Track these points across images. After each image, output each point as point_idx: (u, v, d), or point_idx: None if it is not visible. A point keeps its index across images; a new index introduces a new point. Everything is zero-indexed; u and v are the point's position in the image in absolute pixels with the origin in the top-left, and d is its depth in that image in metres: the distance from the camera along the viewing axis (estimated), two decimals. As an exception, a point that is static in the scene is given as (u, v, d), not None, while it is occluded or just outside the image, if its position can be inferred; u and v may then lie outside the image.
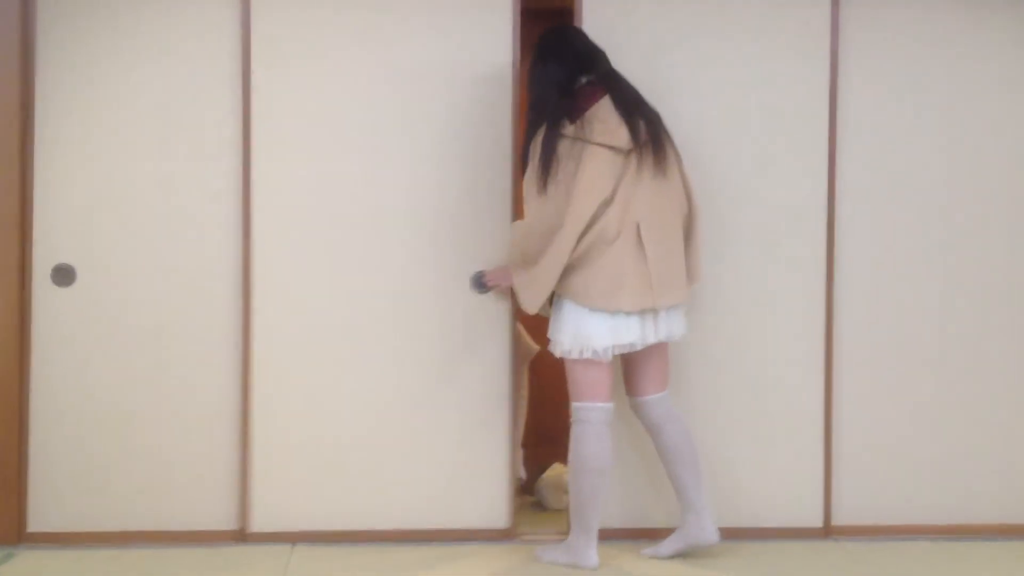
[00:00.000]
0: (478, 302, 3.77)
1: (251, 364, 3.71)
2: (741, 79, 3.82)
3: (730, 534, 3.72)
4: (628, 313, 3.41)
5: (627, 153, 3.42)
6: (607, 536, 3.64)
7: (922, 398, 3.89)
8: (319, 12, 3.73)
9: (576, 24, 3.74)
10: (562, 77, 3.49)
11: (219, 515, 3.72)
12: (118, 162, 3.68)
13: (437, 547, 3.70)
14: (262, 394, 3.72)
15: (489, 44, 3.76)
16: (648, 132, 3.46)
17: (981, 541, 3.83)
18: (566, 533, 3.65)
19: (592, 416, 3.46)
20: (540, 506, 4.28)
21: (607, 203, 3.40)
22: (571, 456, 3.49)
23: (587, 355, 3.43)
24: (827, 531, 3.85)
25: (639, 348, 3.47)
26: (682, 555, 3.58)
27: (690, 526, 3.56)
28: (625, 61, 3.64)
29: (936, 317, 3.89)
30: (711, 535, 3.54)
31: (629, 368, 3.60)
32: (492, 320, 3.78)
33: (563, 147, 3.41)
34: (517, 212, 3.73)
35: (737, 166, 3.81)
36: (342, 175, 3.74)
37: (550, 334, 3.52)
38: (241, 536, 3.71)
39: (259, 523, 3.72)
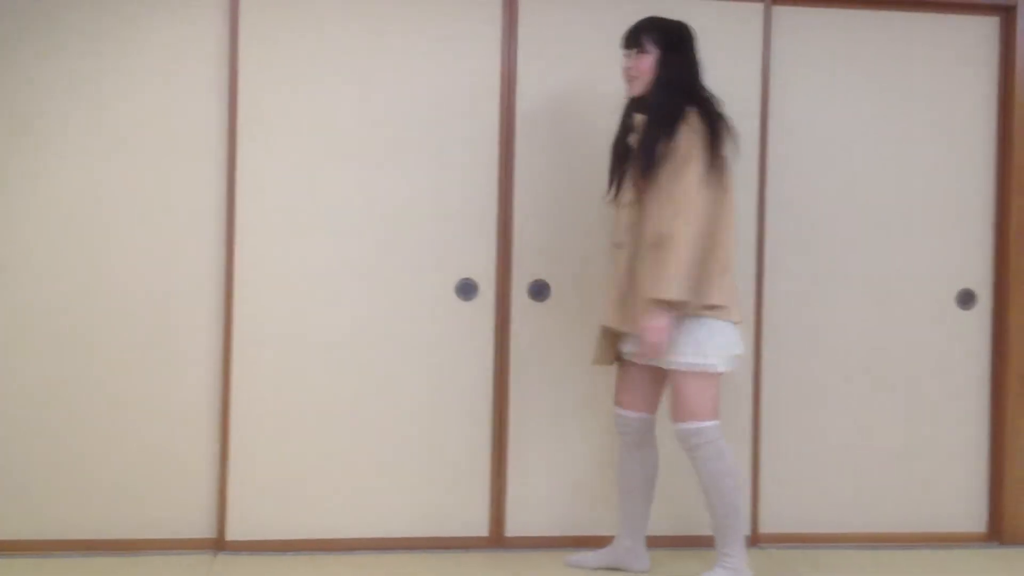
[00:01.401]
0: (462, 312, 3.75)
1: (231, 374, 3.65)
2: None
3: (661, 542, 3.75)
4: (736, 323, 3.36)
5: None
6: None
7: (846, 410, 3.96)
8: (309, 17, 3.69)
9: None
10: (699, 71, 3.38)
11: (139, 522, 3.66)
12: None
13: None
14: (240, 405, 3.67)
15: (478, 54, 3.75)
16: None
17: (902, 549, 3.91)
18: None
19: (720, 433, 3.33)
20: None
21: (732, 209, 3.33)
22: (715, 476, 3.30)
23: (733, 366, 3.35)
24: (755, 539, 3.90)
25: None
26: (606, 570, 3.58)
27: (625, 552, 3.55)
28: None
29: (859, 329, 3.96)
30: (644, 565, 3.55)
31: (649, 383, 3.48)
32: (476, 330, 3.76)
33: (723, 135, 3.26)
34: (503, 220, 3.73)
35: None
36: (329, 184, 3.69)
37: (682, 354, 3.27)
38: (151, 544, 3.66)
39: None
